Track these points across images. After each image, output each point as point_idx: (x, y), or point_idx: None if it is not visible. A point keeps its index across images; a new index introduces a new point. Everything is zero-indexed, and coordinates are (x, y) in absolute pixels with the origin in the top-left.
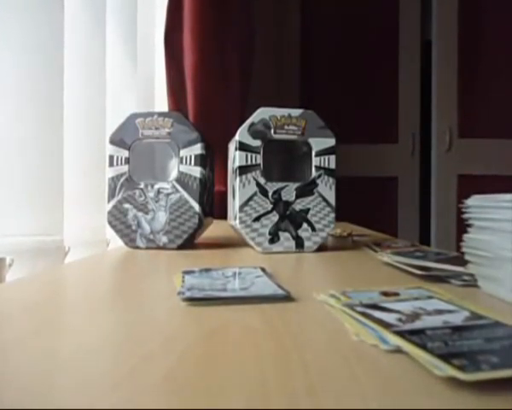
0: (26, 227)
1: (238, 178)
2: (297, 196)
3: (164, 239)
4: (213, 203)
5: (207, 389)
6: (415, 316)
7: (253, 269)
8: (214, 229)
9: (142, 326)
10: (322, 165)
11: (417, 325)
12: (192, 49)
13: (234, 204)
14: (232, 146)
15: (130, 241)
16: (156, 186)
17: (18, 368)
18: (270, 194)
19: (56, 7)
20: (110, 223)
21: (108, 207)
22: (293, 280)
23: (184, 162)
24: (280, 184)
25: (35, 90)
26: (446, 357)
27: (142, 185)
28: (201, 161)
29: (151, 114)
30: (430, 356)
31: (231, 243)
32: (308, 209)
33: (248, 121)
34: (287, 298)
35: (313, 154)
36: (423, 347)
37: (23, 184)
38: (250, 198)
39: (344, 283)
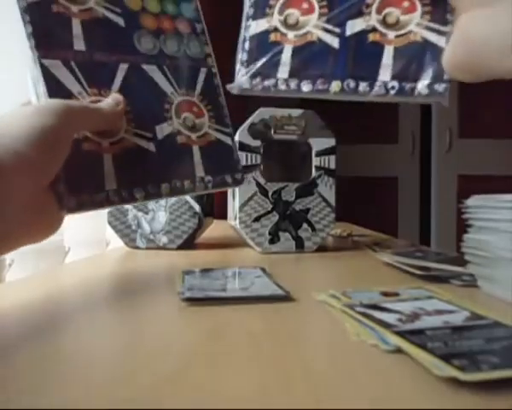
0: None
1: None
2: (297, 196)
3: (164, 239)
4: (213, 203)
5: (207, 388)
6: (415, 316)
7: (253, 269)
8: (214, 229)
9: (142, 326)
10: (322, 165)
11: (417, 325)
12: None
13: (234, 204)
14: None
15: (130, 241)
16: None
17: (18, 368)
18: (270, 194)
19: None
20: (110, 223)
21: None
22: (293, 280)
23: None
24: (280, 184)
25: None
26: (446, 357)
27: None
28: None
29: None
30: (430, 356)
31: (231, 243)
32: (308, 209)
33: (248, 121)
34: (286, 298)
35: (313, 154)
36: (423, 347)
37: None
38: (250, 198)
39: (344, 283)
